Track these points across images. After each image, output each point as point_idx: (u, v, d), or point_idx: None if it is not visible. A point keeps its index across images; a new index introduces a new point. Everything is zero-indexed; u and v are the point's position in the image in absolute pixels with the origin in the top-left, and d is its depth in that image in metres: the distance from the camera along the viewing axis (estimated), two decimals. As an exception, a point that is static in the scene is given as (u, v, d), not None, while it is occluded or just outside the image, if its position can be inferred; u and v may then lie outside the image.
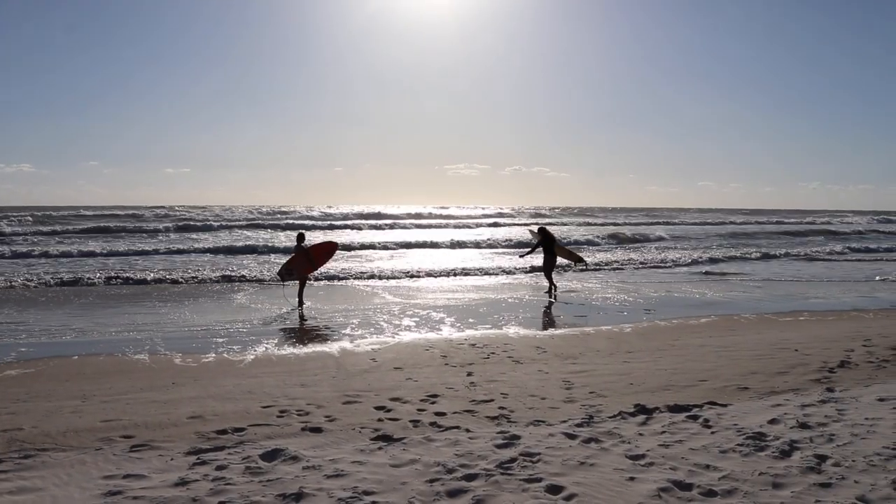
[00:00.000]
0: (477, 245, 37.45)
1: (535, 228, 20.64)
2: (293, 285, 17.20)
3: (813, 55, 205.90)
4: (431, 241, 37.86)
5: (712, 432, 6.30)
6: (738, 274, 25.27)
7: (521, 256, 19.65)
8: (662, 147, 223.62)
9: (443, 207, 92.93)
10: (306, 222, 52.01)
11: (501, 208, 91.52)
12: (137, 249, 30.81)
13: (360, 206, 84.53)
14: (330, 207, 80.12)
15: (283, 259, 21.16)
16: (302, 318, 15.16)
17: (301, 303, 16.52)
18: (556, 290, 18.76)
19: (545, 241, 18.98)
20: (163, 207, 73.41)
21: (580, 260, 21.14)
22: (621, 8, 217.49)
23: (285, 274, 16.94)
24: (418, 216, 65.75)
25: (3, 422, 7.14)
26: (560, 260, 20.68)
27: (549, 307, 17.06)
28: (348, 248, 32.57)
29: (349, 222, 54.96)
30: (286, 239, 35.64)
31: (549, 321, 14.73)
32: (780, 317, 14.96)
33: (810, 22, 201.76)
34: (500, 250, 35.22)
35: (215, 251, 30.61)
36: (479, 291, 19.87)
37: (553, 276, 19.19)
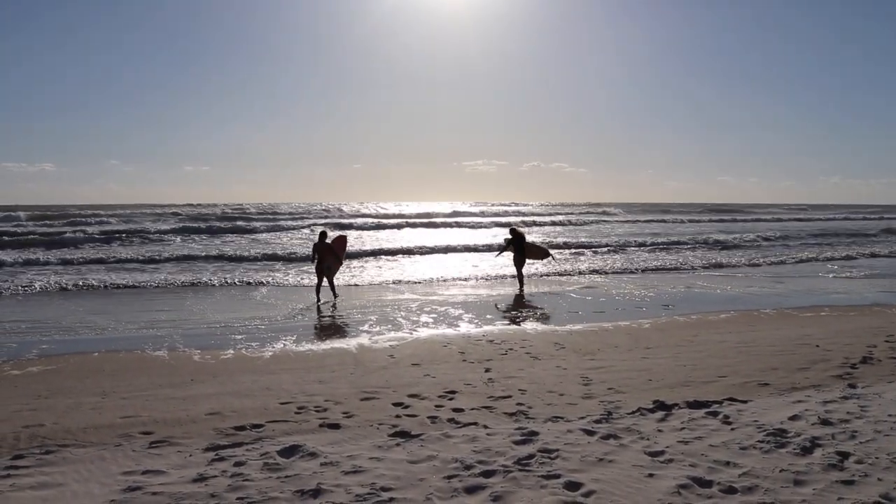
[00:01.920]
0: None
1: (508, 230, 21.22)
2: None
3: (832, 49, 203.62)
4: (474, 245, 34.62)
5: (732, 429, 6.25)
6: None
7: (495, 256, 20.28)
8: (680, 142, 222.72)
9: (478, 203, 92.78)
10: (369, 221, 52.89)
11: (550, 203, 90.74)
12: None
13: (388, 203, 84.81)
14: (362, 204, 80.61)
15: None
16: (319, 313, 15.30)
17: (319, 299, 16.80)
18: (523, 286, 19.32)
19: (516, 241, 19.62)
20: (240, 206, 74.53)
21: (548, 254, 21.79)
22: (641, 2, 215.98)
23: (327, 270, 17.29)
24: (467, 214, 64.44)
25: (24, 418, 7.21)
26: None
27: (518, 300, 17.50)
28: (390, 252, 31.04)
29: (396, 221, 53.81)
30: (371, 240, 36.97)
31: (531, 315, 14.67)
32: (800, 312, 14.81)
33: (832, 17, 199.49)
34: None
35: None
36: (496, 287, 19.84)
37: (523, 272, 19.75)
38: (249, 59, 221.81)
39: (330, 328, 13.45)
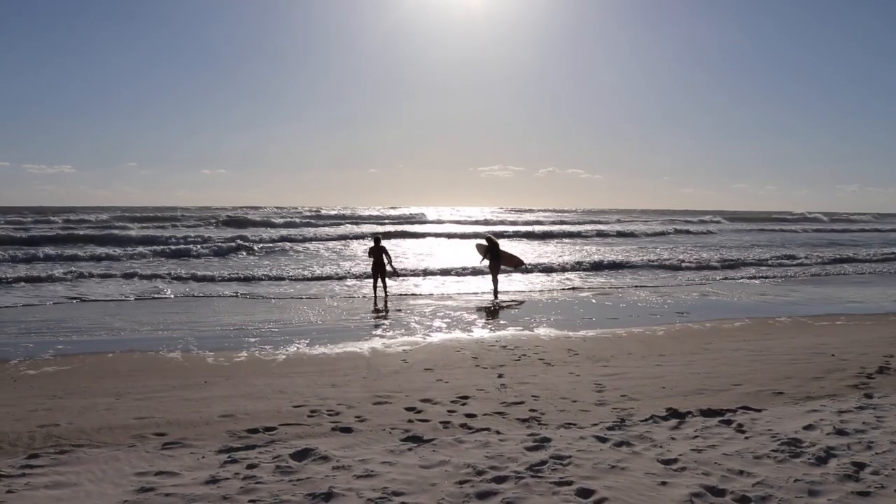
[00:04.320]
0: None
1: (484, 241, 21.80)
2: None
3: (850, 56, 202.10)
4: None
5: (746, 437, 6.21)
6: None
7: (480, 262, 21.34)
8: (697, 148, 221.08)
9: (512, 210, 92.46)
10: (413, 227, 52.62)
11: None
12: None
13: (425, 208, 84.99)
14: (394, 209, 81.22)
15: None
16: (375, 306, 17.22)
17: (376, 294, 18.80)
18: (496, 289, 19.83)
19: (491, 249, 20.36)
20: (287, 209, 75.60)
21: (521, 263, 23.02)
22: (657, 7, 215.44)
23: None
24: (520, 223, 62.29)
25: (39, 417, 7.27)
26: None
27: (493, 306, 17.53)
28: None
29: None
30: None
31: (506, 320, 14.62)
32: (816, 320, 14.70)
33: (851, 23, 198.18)
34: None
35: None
36: (511, 293, 19.84)
37: (498, 278, 20.26)
38: (266, 64, 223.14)
39: (343, 332, 13.44)
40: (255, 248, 33.32)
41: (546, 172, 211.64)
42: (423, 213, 72.12)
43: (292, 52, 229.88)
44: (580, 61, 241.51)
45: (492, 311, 16.22)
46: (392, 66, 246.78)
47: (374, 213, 73.61)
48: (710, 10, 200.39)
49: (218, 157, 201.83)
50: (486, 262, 20.46)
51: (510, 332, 13.22)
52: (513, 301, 18.19)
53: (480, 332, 13.15)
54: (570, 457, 5.64)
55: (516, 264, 22.66)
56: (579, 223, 62.28)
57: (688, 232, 55.65)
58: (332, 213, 69.37)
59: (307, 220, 55.73)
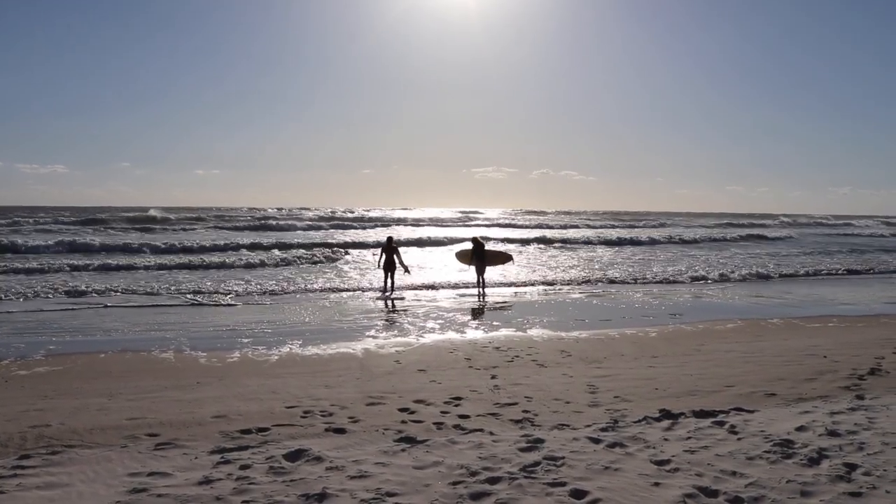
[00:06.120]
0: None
1: (469, 244, 22.23)
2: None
3: (846, 58, 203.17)
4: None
5: (739, 438, 6.22)
6: None
7: (467, 269, 21.82)
8: (691, 150, 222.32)
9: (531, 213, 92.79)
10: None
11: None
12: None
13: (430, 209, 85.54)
14: (409, 210, 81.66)
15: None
16: (385, 303, 17.87)
17: (385, 289, 20.28)
18: (483, 290, 20.37)
19: (477, 250, 20.96)
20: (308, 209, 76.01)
21: (509, 258, 23.58)
22: (653, 8, 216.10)
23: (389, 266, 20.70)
24: (545, 226, 61.94)
25: (31, 418, 7.24)
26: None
27: (479, 306, 17.54)
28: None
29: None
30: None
31: (499, 320, 14.63)
32: (808, 322, 14.75)
33: (845, 24, 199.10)
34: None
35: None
36: (504, 295, 19.86)
37: (482, 278, 20.83)
38: (260, 64, 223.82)
39: (336, 332, 13.41)
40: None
41: (540, 174, 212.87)
42: (468, 216, 73.61)
43: (287, 52, 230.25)
44: (575, 62, 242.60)
45: (485, 312, 16.21)
46: (387, 68, 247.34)
47: (415, 214, 74.99)
48: (706, 11, 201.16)
49: (212, 158, 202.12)
50: (471, 268, 20.94)
51: (503, 333, 13.23)
52: (505, 302, 18.19)
53: (473, 334, 13.14)
54: (563, 458, 5.65)
55: (505, 260, 22.97)
56: (633, 227, 62.93)
57: (763, 237, 51.98)
58: (374, 215, 71.01)
59: (350, 223, 56.94)
